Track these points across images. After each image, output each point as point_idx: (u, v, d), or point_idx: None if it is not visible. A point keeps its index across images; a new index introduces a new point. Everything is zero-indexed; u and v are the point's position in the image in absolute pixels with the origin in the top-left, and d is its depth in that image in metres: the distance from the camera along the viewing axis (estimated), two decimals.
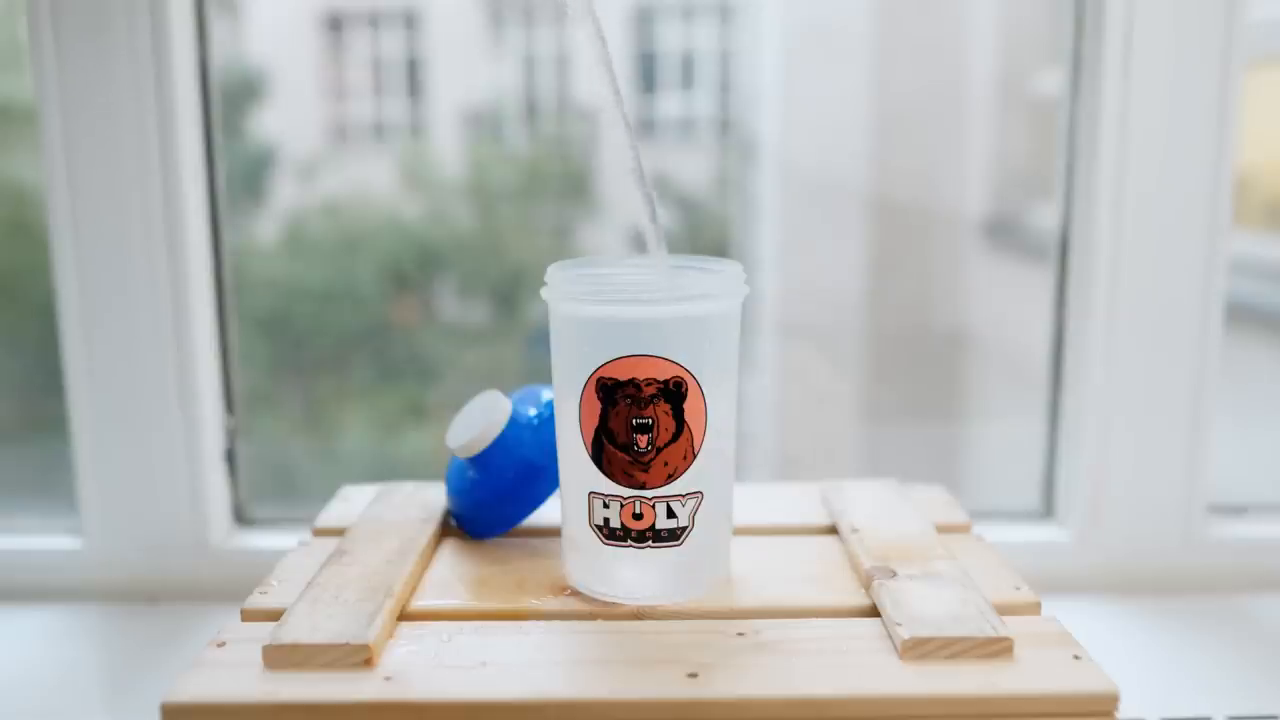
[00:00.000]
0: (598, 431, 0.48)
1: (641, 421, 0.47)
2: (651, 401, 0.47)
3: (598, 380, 0.48)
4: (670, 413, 0.48)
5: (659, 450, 0.48)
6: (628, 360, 0.47)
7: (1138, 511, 0.79)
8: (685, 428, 0.48)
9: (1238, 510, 0.82)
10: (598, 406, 0.48)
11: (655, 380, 0.47)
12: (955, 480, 0.97)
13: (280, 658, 0.44)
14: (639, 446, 0.48)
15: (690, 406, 0.48)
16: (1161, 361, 0.77)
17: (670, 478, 0.48)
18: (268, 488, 0.88)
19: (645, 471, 0.48)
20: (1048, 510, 0.83)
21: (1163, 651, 0.72)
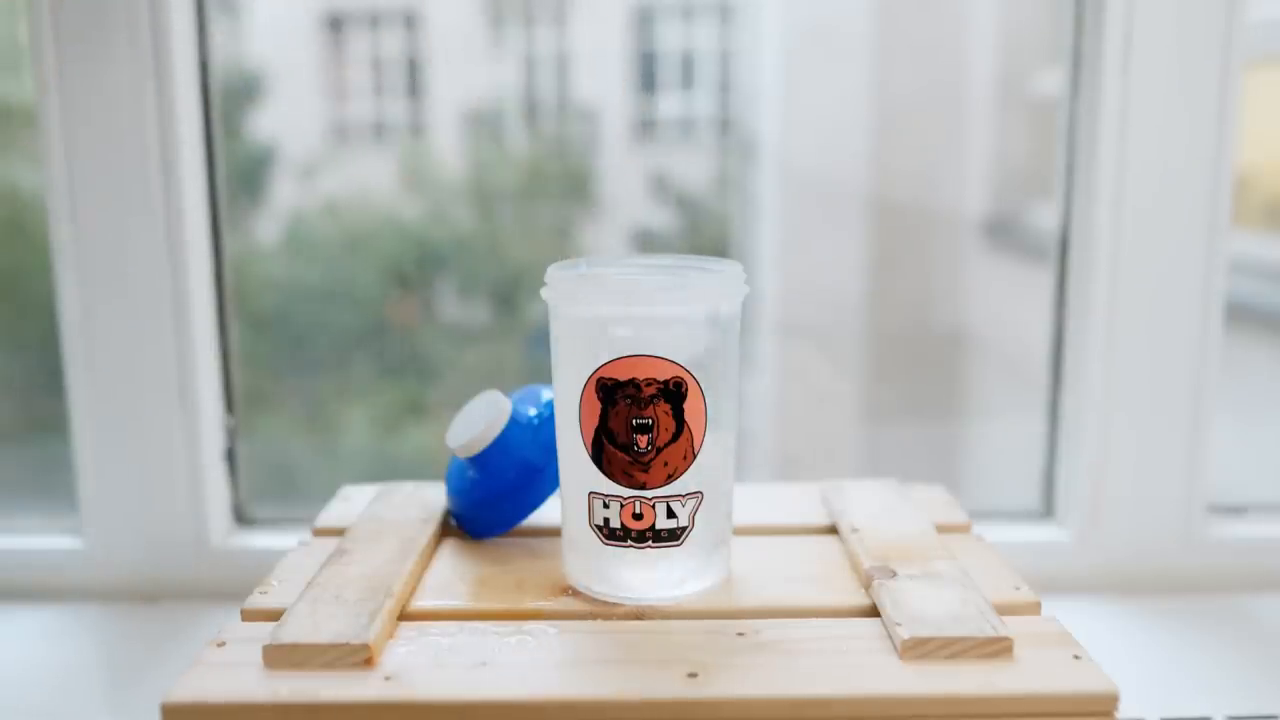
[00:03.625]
0: (598, 431, 0.48)
1: (641, 421, 0.47)
2: (651, 401, 0.47)
3: (598, 380, 0.48)
4: (670, 413, 0.48)
5: (659, 450, 0.48)
6: (628, 360, 0.47)
7: (1138, 511, 0.79)
8: (685, 428, 0.48)
9: (1237, 510, 0.82)
10: (598, 406, 0.48)
11: (655, 380, 0.47)
12: (955, 480, 0.97)
13: (280, 657, 0.44)
14: (639, 447, 0.48)
15: (690, 406, 0.48)
16: (1161, 361, 0.77)
17: (670, 478, 0.48)
18: (268, 487, 0.88)
19: (645, 471, 0.48)
20: (1048, 510, 0.83)
21: (1163, 651, 0.72)
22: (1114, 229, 0.76)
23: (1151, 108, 0.74)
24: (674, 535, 0.49)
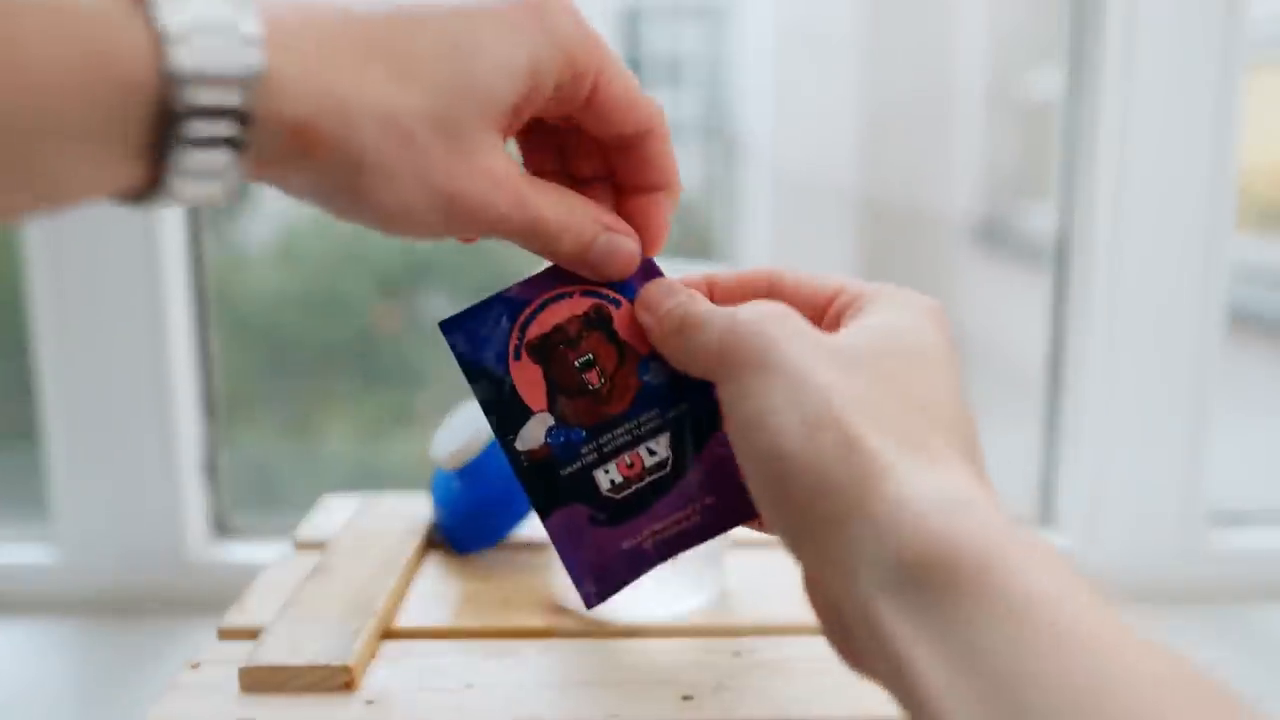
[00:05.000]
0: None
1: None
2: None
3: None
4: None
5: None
6: None
7: (1136, 520, 0.77)
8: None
9: (1236, 518, 0.81)
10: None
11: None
12: None
13: (258, 680, 0.42)
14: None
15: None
16: (1161, 369, 0.76)
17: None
18: (249, 494, 0.86)
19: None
20: (1046, 519, 0.81)
21: None
22: (1113, 234, 0.74)
23: (1152, 111, 0.73)
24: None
